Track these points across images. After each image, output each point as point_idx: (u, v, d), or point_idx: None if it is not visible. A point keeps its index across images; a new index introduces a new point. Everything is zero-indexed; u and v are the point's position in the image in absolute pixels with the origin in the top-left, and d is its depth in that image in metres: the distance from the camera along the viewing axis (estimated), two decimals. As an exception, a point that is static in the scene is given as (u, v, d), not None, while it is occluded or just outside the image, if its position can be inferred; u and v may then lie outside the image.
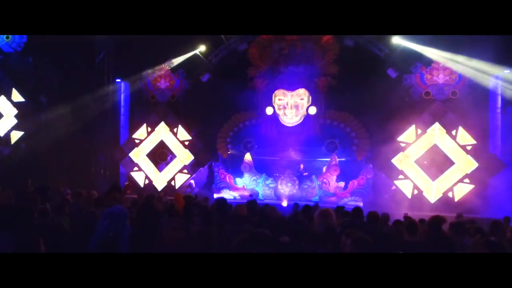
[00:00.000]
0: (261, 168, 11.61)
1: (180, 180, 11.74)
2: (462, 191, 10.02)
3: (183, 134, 11.83)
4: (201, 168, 11.84)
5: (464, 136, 10.14)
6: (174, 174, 11.80)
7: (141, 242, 4.92)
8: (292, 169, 11.25)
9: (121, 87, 12.52)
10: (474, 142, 10.05)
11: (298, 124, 11.38)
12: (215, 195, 11.13)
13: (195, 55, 11.88)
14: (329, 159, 11.25)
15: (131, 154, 11.97)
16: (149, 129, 12.01)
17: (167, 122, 11.91)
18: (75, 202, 5.86)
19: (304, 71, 11.28)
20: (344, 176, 11.14)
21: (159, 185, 11.82)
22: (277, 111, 11.44)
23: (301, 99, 11.26)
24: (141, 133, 12.06)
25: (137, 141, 12.03)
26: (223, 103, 11.69)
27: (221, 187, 11.41)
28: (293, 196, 10.72)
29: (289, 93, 11.33)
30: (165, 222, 4.82)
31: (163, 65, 12.00)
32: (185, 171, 11.77)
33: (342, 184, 11.05)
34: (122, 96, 12.52)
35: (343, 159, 11.31)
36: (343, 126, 11.28)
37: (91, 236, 4.08)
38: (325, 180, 11.01)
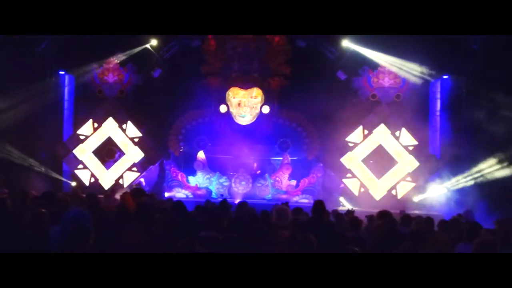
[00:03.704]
0: (215, 166, 11.55)
1: (129, 178, 11.33)
2: (404, 189, 10.68)
3: (132, 130, 11.42)
4: (151, 166, 11.51)
5: (407, 137, 10.80)
6: (123, 172, 11.37)
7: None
8: (246, 168, 11.31)
9: (65, 80, 11.80)
10: (416, 143, 10.73)
11: (252, 123, 11.46)
12: (166, 194, 10.92)
13: (146, 49, 11.49)
14: (281, 158, 11.47)
15: (76, 151, 11.33)
16: (96, 125, 11.45)
17: (115, 118, 11.42)
18: (13, 202, 5.54)
19: (258, 70, 11.38)
20: (295, 174, 11.40)
21: (106, 183, 11.33)
22: (231, 109, 11.42)
23: (255, 98, 11.33)
24: (86, 128, 11.47)
25: (82, 137, 11.40)
26: (176, 99, 11.47)
27: (173, 185, 11.19)
28: (247, 194, 10.79)
29: (243, 92, 11.35)
30: (123, 224, 4.66)
31: (111, 58, 11.49)
32: (135, 169, 11.38)
33: (293, 182, 11.31)
34: (66, 89, 11.81)
35: (295, 158, 11.57)
36: (295, 126, 11.53)
37: (49, 240, 3.86)
38: (277, 178, 11.21)
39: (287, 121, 11.58)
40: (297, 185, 11.25)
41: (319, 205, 4.40)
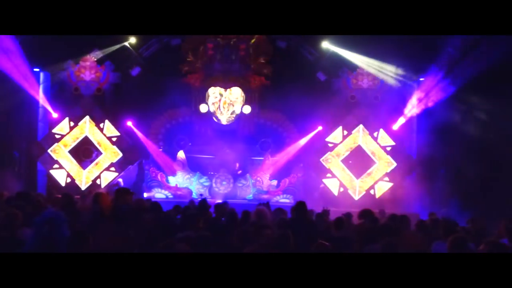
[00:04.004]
0: (195, 166, 11.47)
1: (107, 178, 11.12)
2: (382, 188, 10.87)
3: (110, 129, 11.21)
4: (130, 166, 11.34)
5: (384, 138, 11.00)
6: (100, 172, 11.15)
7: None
8: (227, 168, 11.27)
9: (40, 77, 11.47)
10: (393, 143, 10.94)
11: (232, 123, 11.44)
12: (146, 194, 10.78)
13: (124, 46, 11.30)
14: (262, 158, 11.49)
15: (51, 150, 11.04)
16: (72, 124, 11.19)
17: (93, 117, 11.19)
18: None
19: (239, 70, 11.36)
20: (276, 174, 11.45)
21: (83, 184, 11.09)
22: (211, 109, 11.37)
23: (236, 98, 11.33)
24: (62, 127, 11.18)
25: (58, 136, 11.12)
26: (155, 98, 11.32)
27: (152, 185, 11.05)
28: (228, 194, 10.76)
29: (223, 92, 11.32)
30: (96, 225, 4.57)
31: (88, 56, 11.24)
32: (113, 169, 11.17)
33: (274, 182, 11.36)
34: (41, 87, 11.49)
35: (275, 158, 11.59)
36: (276, 126, 11.59)
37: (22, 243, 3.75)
38: (258, 178, 11.23)
39: (268, 121, 11.62)
40: (278, 185, 11.32)
41: (301, 205, 4.44)
